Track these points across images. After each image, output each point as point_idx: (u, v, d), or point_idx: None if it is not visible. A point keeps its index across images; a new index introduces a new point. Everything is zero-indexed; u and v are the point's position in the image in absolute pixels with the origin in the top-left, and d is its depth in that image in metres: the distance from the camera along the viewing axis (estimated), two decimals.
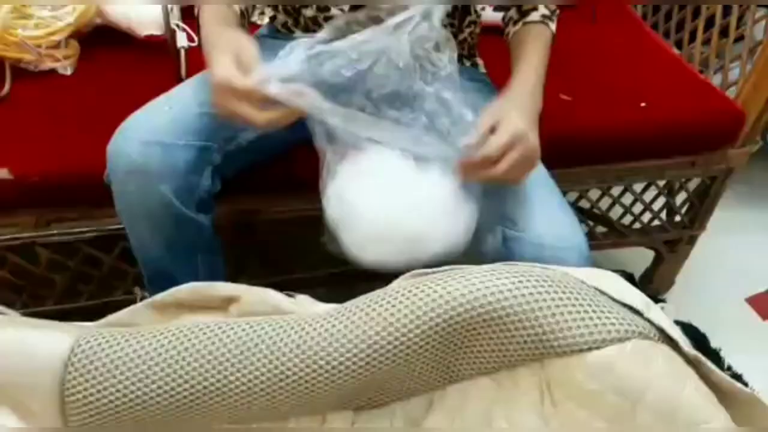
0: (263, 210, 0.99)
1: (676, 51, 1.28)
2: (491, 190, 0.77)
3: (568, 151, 1.05)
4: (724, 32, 1.20)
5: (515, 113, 0.70)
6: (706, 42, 1.24)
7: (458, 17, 0.91)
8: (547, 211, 0.79)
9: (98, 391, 0.52)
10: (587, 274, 0.53)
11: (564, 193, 1.17)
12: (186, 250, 0.81)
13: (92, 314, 0.67)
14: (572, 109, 1.08)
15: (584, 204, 1.25)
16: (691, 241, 1.34)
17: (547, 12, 0.86)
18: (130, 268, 1.03)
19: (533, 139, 0.70)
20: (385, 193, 0.67)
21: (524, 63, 0.82)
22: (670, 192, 1.28)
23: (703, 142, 1.15)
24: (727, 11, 1.18)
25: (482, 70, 1.01)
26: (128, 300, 0.83)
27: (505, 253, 0.77)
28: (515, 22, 0.87)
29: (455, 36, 0.91)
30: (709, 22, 1.23)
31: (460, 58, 0.95)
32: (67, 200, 0.94)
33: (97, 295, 1.06)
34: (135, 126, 0.77)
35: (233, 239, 0.98)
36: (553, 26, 0.87)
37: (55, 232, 0.96)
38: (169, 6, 0.99)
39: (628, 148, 1.10)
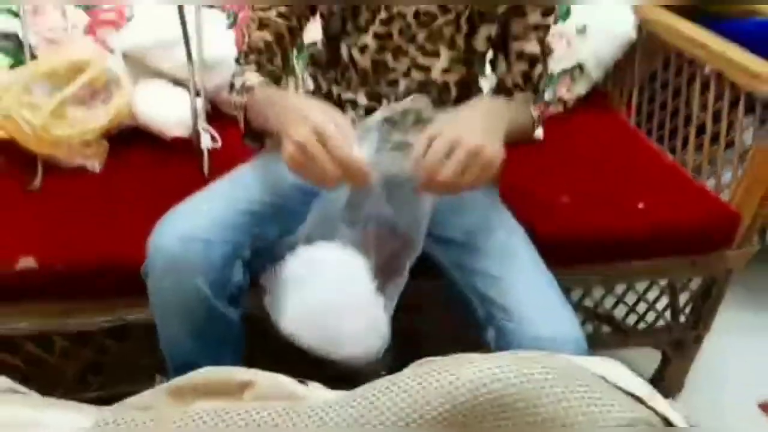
0: None
1: (670, 157, 1.35)
2: (489, 278, 0.81)
3: (569, 250, 1.09)
4: (715, 138, 1.27)
5: (454, 122, 0.72)
6: (699, 148, 1.31)
7: None
8: (544, 303, 0.81)
9: None
10: (590, 362, 0.55)
11: (567, 291, 1.21)
12: (215, 342, 0.83)
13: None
14: (572, 210, 1.13)
15: (588, 303, 1.27)
16: (697, 341, 1.35)
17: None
18: (141, 359, 1.05)
19: (476, 140, 0.69)
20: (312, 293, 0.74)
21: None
22: (673, 292, 1.31)
23: (701, 244, 1.18)
24: (717, 118, 1.25)
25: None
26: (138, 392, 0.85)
27: (503, 345, 0.79)
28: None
29: None
30: (701, 130, 1.30)
31: None
32: (86, 290, 0.97)
33: (106, 386, 1.07)
34: (174, 222, 0.81)
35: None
36: (534, 112, 0.93)
37: (73, 321, 0.98)
38: (198, 109, 1.07)
39: (627, 248, 1.14)
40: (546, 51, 0.93)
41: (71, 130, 1.10)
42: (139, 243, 0.94)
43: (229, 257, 0.79)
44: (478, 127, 0.72)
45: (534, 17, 0.89)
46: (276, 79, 0.90)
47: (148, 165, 1.14)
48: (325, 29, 0.93)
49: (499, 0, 0.88)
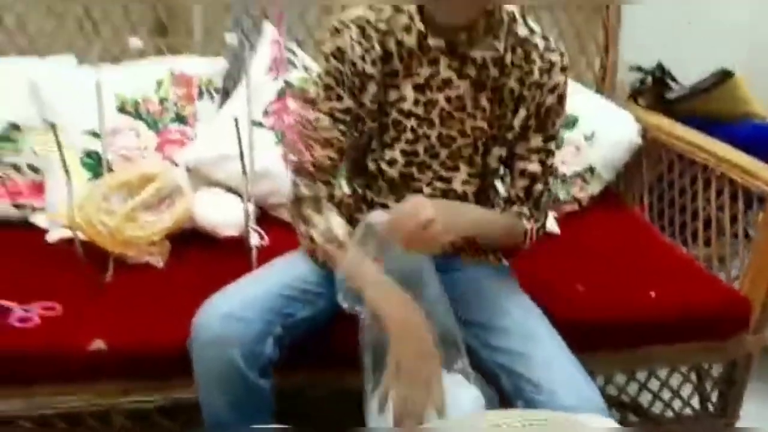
0: (305, 384, 1.12)
1: (683, 250, 1.44)
2: (514, 355, 0.91)
3: (585, 335, 1.15)
4: (724, 230, 1.37)
5: (424, 201, 0.90)
6: (708, 241, 1.40)
7: None
8: (566, 376, 0.90)
9: None
10: None
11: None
12: (247, 408, 0.94)
13: None
14: (587, 298, 1.22)
15: (612, 391, 1.32)
16: (727, 430, 1.37)
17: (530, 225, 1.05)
18: None
19: (431, 216, 0.85)
20: None
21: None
22: (699, 380, 1.35)
23: (715, 330, 1.25)
24: (722, 212, 1.36)
25: (505, 263, 1.17)
26: None
27: None
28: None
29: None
30: (709, 224, 1.40)
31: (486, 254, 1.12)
32: (147, 371, 1.09)
33: None
34: (216, 302, 0.96)
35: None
36: (527, 225, 1.05)
37: (132, 399, 1.09)
38: (249, 211, 1.23)
39: (641, 334, 1.21)
40: (547, 171, 1.04)
41: (140, 232, 1.26)
42: (183, 327, 1.06)
43: (262, 334, 0.92)
44: (445, 212, 0.89)
45: (536, 141, 1.02)
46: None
47: (204, 261, 1.29)
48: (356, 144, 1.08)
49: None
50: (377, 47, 0.98)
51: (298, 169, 1.03)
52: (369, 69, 0.99)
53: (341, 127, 1.01)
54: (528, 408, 0.89)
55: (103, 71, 1.33)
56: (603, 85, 1.76)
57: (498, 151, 1.04)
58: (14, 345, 1.06)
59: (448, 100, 1.00)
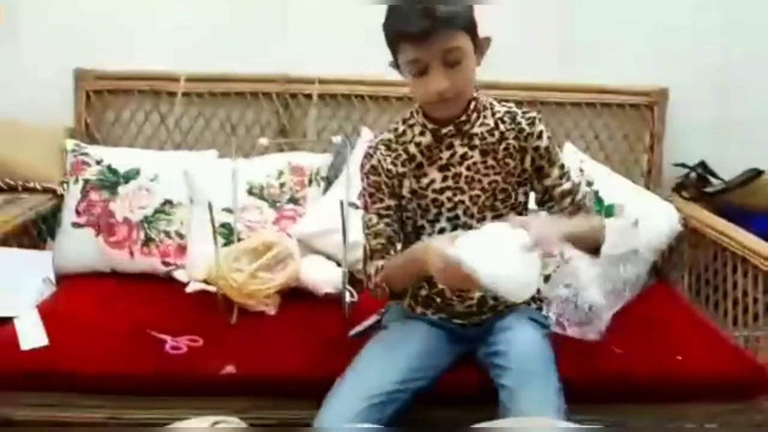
0: None
1: (715, 325, 1.64)
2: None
3: (617, 390, 1.40)
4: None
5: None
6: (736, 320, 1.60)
7: None
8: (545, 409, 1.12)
9: None
10: None
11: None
12: None
13: None
14: (622, 359, 1.45)
15: None
16: None
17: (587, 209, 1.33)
18: None
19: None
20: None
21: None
22: None
23: (738, 391, 1.43)
24: (746, 293, 1.56)
25: (544, 314, 1.43)
26: None
27: None
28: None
29: None
30: (735, 302, 1.60)
31: (529, 301, 1.36)
32: (265, 392, 1.40)
33: None
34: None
35: None
36: (596, 220, 1.33)
37: (251, 415, 1.40)
38: (346, 272, 1.57)
39: (669, 393, 1.41)
40: (577, 184, 1.32)
41: (260, 287, 1.62)
42: (298, 360, 1.40)
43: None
44: (540, 224, 1.14)
45: (556, 171, 1.29)
46: None
47: (307, 311, 1.62)
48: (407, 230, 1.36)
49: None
50: (402, 153, 1.29)
51: (364, 260, 1.35)
52: (400, 170, 1.29)
53: (386, 221, 1.30)
54: None
55: (237, 163, 1.74)
56: (649, 179, 2.01)
57: (521, 190, 1.31)
58: (168, 367, 1.41)
59: (468, 168, 1.28)
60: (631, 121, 2.01)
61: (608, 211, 1.81)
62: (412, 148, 1.29)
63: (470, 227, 1.29)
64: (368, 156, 1.32)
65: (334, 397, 1.19)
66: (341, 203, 1.48)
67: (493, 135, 1.28)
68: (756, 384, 1.43)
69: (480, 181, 1.29)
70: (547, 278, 1.61)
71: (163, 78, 1.96)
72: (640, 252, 1.80)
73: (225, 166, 1.74)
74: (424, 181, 1.30)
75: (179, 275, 1.82)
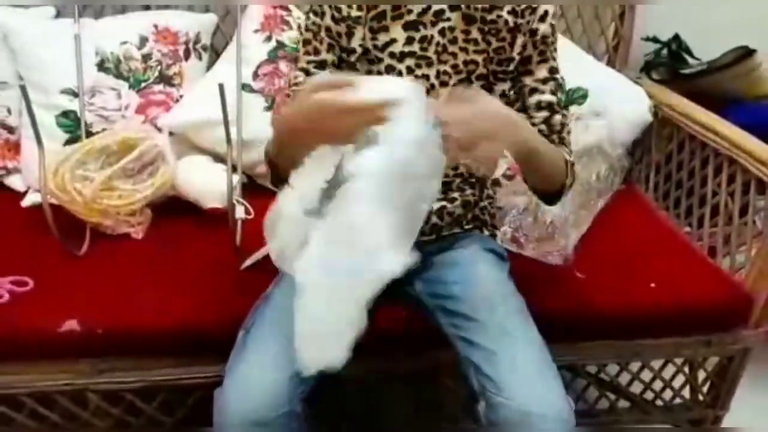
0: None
1: (686, 236, 1.39)
2: (485, 351, 0.87)
3: (580, 325, 1.14)
4: (732, 219, 1.31)
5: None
6: (715, 227, 1.34)
7: (478, 188, 1.05)
8: (535, 381, 0.85)
9: None
10: None
11: (582, 366, 1.24)
12: None
13: None
14: (586, 286, 1.17)
15: (604, 377, 1.29)
16: (716, 421, 1.34)
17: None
18: (167, 418, 1.11)
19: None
20: None
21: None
22: (691, 370, 1.31)
23: (715, 323, 1.20)
24: (729, 202, 1.30)
25: (499, 242, 1.12)
26: None
27: (492, 418, 0.83)
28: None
29: (476, 203, 1.04)
30: (716, 210, 1.34)
31: (480, 225, 1.07)
32: (121, 350, 1.04)
33: None
34: (233, 400, 0.84)
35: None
36: (565, 155, 0.96)
37: (106, 380, 1.05)
38: (234, 182, 1.17)
39: (639, 327, 1.17)
40: (561, 102, 0.99)
41: (119, 201, 1.20)
42: (174, 307, 1.04)
43: (289, 418, 0.84)
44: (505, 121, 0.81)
45: (542, 72, 0.97)
46: None
47: (187, 233, 1.23)
48: None
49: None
50: None
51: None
52: (354, 13, 0.94)
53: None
54: (489, 411, 0.85)
55: (83, 24, 1.24)
56: (616, 56, 1.66)
57: (500, 88, 0.98)
58: None
59: (442, 33, 0.95)
60: None
61: (571, 97, 1.47)
62: None
63: None
64: None
65: (239, 370, 0.86)
66: (221, 87, 1.04)
67: None
68: (739, 313, 1.20)
69: (454, 54, 0.96)
70: (496, 182, 1.28)
71: None
72: (604, 148, 1.49)
73: (64, 28, 1.30)
74: (382, 38, 0.95)
75: (12, 182, 1.36)
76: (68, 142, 1.29)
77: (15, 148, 1.35)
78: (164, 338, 1.03)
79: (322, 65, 0.97)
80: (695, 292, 1.20)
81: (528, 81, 0.98)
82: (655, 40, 1.66)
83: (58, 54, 1.30)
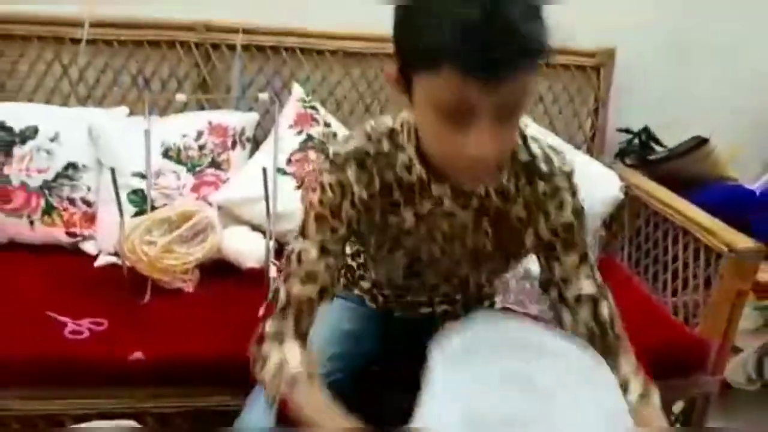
0: None
1: (654, 297, 1.60)
2: None
3: None
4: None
5: None
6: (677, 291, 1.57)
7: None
8: None
9: None
10: None
11: None
12: None
13: None
14: None
15: None
16: None
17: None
18: None
19: None
20: None
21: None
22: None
23: (676, 368, 1.40)
24: (686, 266, 1.52)
25: (500, 306, 1.30)
26: None
27: None
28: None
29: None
30: (675, 275, 1.56)
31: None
32: (176, 379, 1.27)
33: None
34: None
35: None
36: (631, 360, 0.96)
37: (160, 404, 1.28)
38: (270, 247, 1.43)
39: None
40: (604, 289, 0.95)
41: (175, 261, 1.47)
42: (216, 343, 1.27)
43: None
44: None
45: (572, 260, 0.92)
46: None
47: (228, 288, 1.49)
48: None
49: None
50: (377, 180, 0.91)
51: (269, 307, 0.96)
52: (369, 201, 0.92)
53: (330, 261, 0.92)
54: None
55: (151, 121, 1.56)
56: (593, 145, 1.95)
57: (495, 264, 1.01)
58: (67, 353, 1.25)
59: (451, 226, 0.95)
60: (577, 83, 1.92)
61: None
62: (391, 178, 0.92)
63: (435, 291, 1.08)
64: (334, 166, 0.91)
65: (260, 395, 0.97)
66: (264, 171, 1.34)
67: (499, 195, 0.92)
68: (697, 360, 1.40)
69: (462, 240, 0.97)
70: None
71: (65, 23, 1.72)
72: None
73: (137, 124, 1.60)
74: (393, 219, 0.95)
75: (87, 247, 1.65)
76: (136, 215, 1.58)
77: (91, 219, 1.64)
78: (210, 368, 1.26)
79: (338, 241, 0.93)
80: (657, 342, 1.40)
81: (559, 272, 0.93)
82: (627, 131, 1.95)
83: (131, 145, 1.61)
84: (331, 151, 0.92)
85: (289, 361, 0.89)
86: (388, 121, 0.93)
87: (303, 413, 0.85)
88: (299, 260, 0.93)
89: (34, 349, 1.25)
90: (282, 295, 0.94)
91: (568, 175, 0.95)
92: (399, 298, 1.14)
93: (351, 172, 0.91)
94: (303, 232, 0.94)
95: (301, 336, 0.93)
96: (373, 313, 1.18)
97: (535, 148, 0.93)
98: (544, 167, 0.92)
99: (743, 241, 1.37)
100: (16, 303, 1.37)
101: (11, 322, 1.30)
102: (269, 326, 0.93)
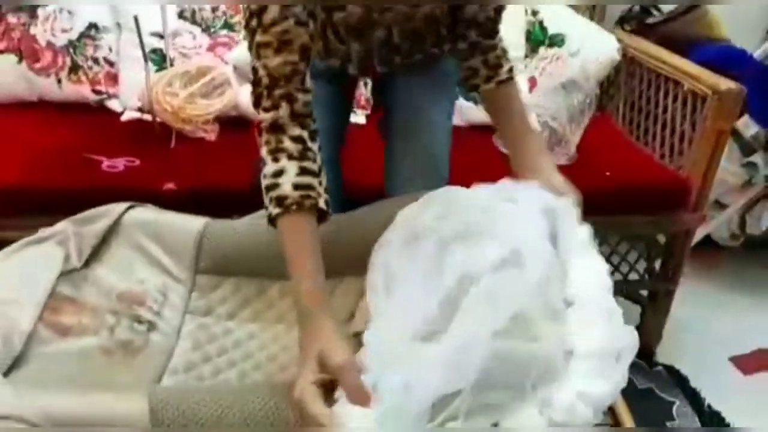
0: None
1: (644, 148, 1.71)
2: None
3: None
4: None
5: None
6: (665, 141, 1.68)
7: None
8: None
9: None
10: None
11: None
12: None
13: None
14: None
15: None
16: (669, 294, 1.66)
17: (509, 65, 1.03)
18: None
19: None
20: None
21: (524, 128, 1.03)
22: (647, 248, 1.64)
23: (659, 204, 1.53)
24: (674, 116, 1.62)
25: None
26: None
27: None
28: (486, 80, 1.01)
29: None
30: (664, 126, 1.67)
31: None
32: (209, 208, 1.41)
33: None
34: None
35: None
36: (516, 76, 1.03)
37: None
38: None
39: (596, 204, 1.48)
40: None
41: (197, 112, 1.58)
42: (241, 176, 1.38)
43: None
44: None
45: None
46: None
47: (244, 138, 1.59)
48: None
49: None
50: None
51: (257, 96, 0.86)
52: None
53: (301, 17, 0.79)
54: None
55: None
56: (594, 12, 2.00)
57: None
58: (105, 183, 1.39)
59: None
60: None
61: (552, 41, 1.81)
62: None
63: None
64: None
65: None
66: None
67: None
68: (679, 197, 1.52)
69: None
70: None
71: None
72: (579, 82, 1.82)
73: None
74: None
75: (112, 104, 1.75)
76: (157, 72, 1.67)
77: (114, 78, 1.74)
78: (237, 197, 1.38)
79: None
80: (643, 181, 1.53)
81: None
82: None
83: (148, 7, 1.68)
84: None
85: (281, 184, 0.82)
86: None
87: (313, 346, 0.76)
88: (264, 29, 0.77)
89: (76, 180, 1.38)
90: (261, 74, 0.80)
91: None
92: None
93: None
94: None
95: (298, 117, 0.83)
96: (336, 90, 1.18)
97: None
98: None
99: (726, 84, 1.46)
100: (54, 149, 1.49)
101: (52, 162, 1.43)
102: (263, 117, 0.84)
